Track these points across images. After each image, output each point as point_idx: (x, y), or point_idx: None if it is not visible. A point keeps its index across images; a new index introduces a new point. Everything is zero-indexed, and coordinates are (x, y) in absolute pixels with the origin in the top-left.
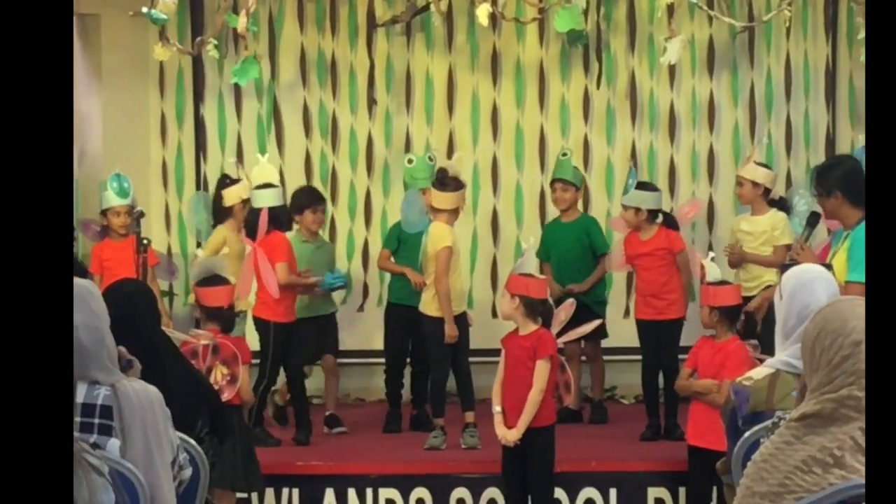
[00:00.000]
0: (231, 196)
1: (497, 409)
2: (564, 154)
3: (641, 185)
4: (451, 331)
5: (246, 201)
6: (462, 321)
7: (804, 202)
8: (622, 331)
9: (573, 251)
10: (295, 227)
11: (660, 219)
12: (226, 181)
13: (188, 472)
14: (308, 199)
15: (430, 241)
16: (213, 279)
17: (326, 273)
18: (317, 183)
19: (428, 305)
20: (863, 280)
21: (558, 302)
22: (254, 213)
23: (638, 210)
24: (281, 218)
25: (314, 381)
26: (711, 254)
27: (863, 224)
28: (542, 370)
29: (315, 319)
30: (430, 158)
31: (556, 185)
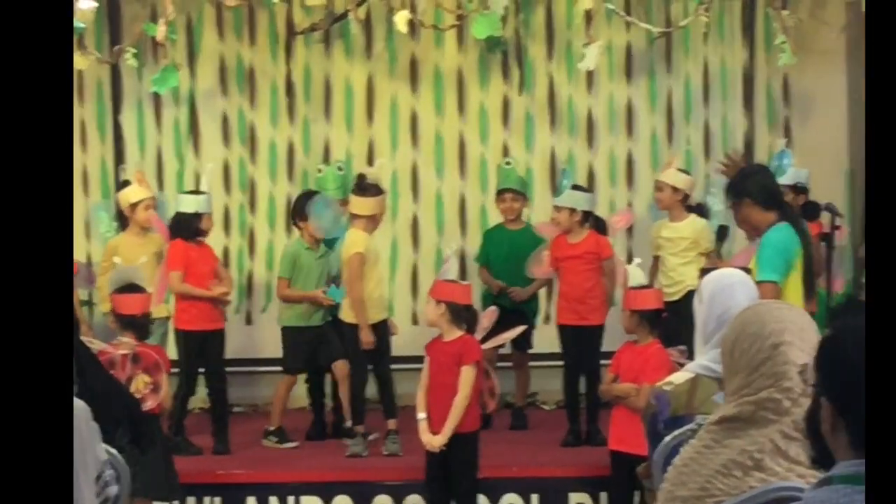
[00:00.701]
0: (121, 199)
1: (422, 415)
2: (508, 163)
3: (575, 187)
4: (366, 337)
5: (135, 205)
6: (382, 329)
7: (718, 201)
8: (543, 336)
9: (516, 259)
10: (297, 232)
11: (590, 222)
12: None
13: (114, 490)
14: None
15: (344, 247)
16: (129, 287)
17: (334, 288)
18: (235, 191)
19: (346, 312)
20: (767, 278)
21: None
22: (178, 218)
23: (572, 211)
24: (185, 225)
25: (236, 391)
26: (637, 260)
27: (774, 227)
28: (467, 376)
29: (312, 329)
30: (340, 168)
31: (505, 194)
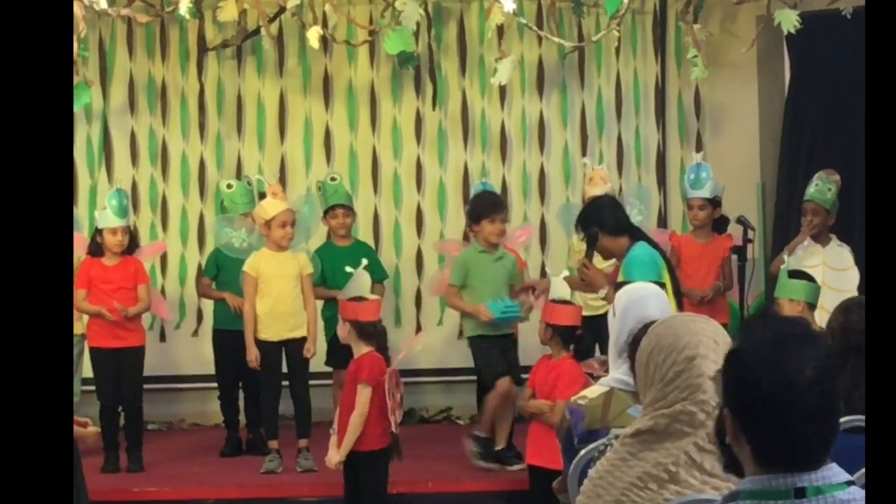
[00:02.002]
0: None
1: (332, 432)
2: (333, 179)
3: None
4: (249, 355)
5: None
6: (292, 348)
7: (636, 211)
8: (456, 351)
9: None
10: (472, 238)
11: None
12: None
13: None
14: (486, 207)
15: None
16: None
17: (493, 301)
18: (146, 208)
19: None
20: None
21: None
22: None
23: None
24: (91, 242)
25: (151, 408)
26: (565, 272)
27: (633, 247)
28: (360, 395)
29: (497, 339)
30: (249, 183)
31: (336, 210)
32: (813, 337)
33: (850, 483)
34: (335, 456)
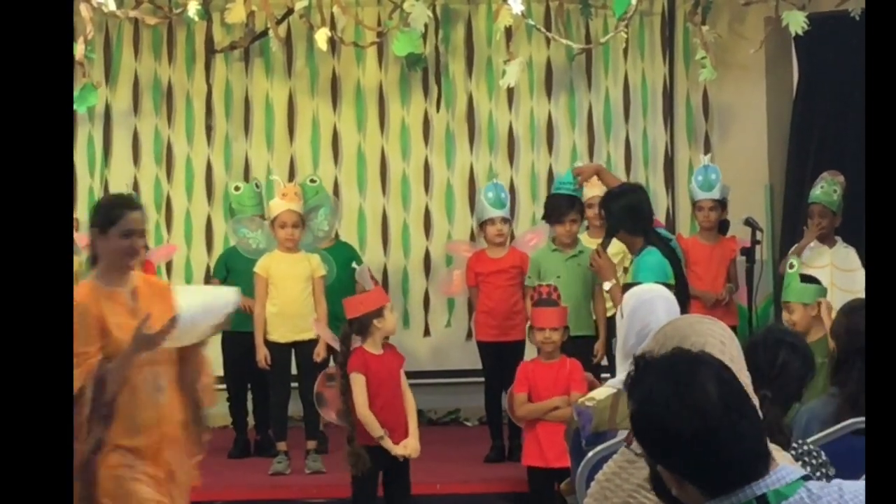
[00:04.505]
0: None
1: (382, 432)
2: (313, 181)
3: None
4: (258, 355)
5: None
6: (302, 350)
7: None
8: (465, 353)
9: (337, 278)
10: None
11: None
12: None
13: None
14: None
15: None
16: None
17: None
18: (151, 210)
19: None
20: None
21: None
22: None
23: (509, 224)
24: None
25: None
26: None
27: (642, 252)
28: (407, 382)
29: None
30: (257, 186)
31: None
32: (696, 358)
33: (806, 478)
34: (415, 443)
